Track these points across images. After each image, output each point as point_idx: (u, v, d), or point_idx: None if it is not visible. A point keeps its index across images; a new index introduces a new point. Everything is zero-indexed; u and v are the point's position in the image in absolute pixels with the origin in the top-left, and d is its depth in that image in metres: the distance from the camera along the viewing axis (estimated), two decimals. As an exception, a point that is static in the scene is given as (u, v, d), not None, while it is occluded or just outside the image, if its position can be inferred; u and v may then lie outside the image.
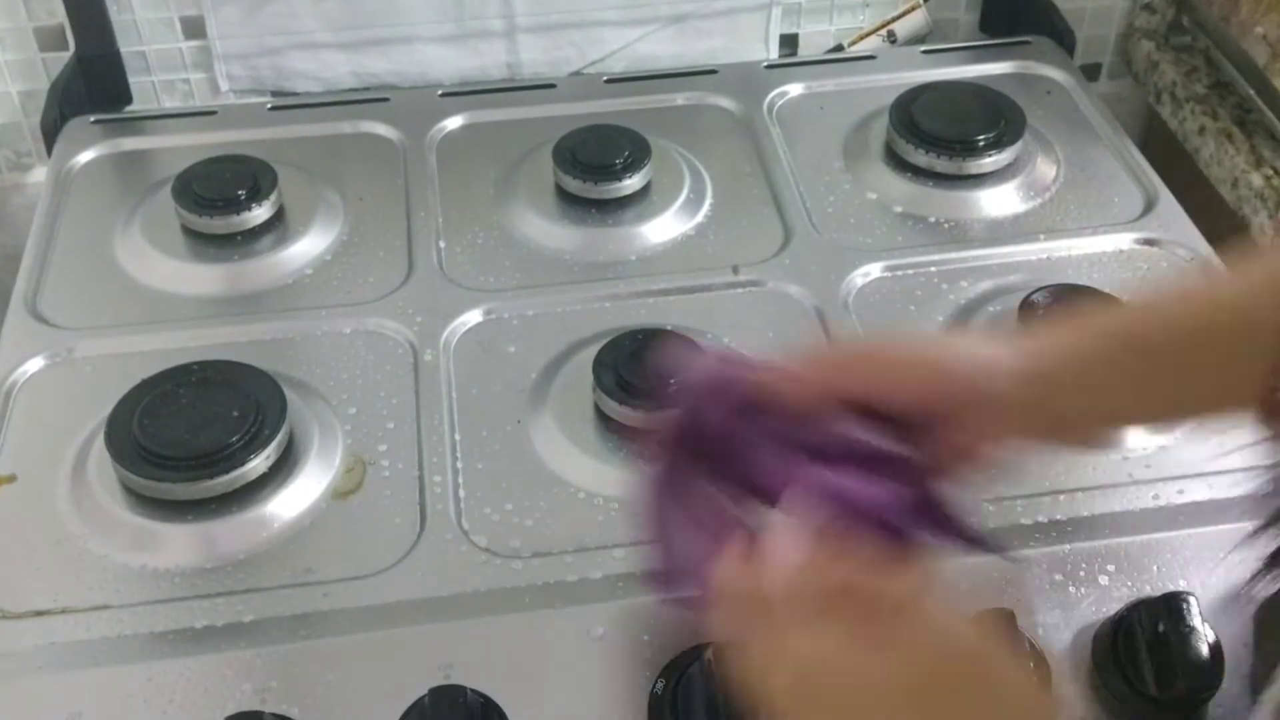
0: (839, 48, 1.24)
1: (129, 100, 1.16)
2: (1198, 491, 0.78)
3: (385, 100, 1.14)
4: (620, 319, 0.90)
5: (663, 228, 1.01)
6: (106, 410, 0.80)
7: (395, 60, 1.17)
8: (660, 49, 1.20)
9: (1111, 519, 0.76)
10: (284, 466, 0.79)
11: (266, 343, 0.90)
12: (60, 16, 1.11)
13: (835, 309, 0.92)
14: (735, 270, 0.95)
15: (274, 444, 0.78)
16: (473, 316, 0.92)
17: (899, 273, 0.96)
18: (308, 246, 0.98)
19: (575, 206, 1.02)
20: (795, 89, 1.16)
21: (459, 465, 0.80)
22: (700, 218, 1.02)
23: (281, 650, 0.69)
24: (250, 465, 0.77)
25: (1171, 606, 0.67)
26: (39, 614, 0.72)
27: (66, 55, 1.12)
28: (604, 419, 0.82)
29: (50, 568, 0.74)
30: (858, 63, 1.20)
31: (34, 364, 0.88)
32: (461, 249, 0.99)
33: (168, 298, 0.94)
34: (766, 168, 1.07)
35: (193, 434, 0.78)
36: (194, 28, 1.14)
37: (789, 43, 1.23)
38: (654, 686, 0.66)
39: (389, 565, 0.74)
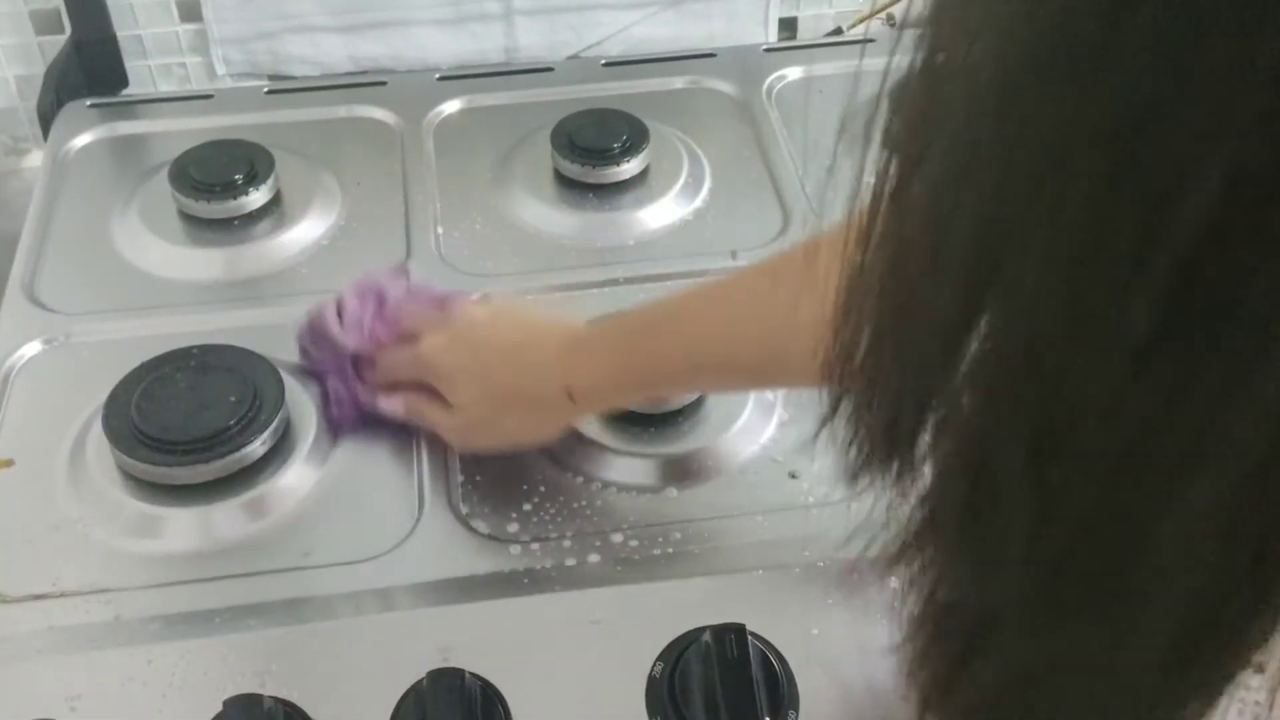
0: (838, 31, 1.24)
1: (125, 84, 1.15)
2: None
3: (382, 84, 1.14)
4: (619, 303, 0.89)
5: (661, 212, 1.00)
6: (104, 394, 0.80)
7: (392, 44, 1.17)
8: (658, 32, 1.20)
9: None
10: (282, 450, 0.79)
11: (264, 327, 0.89)
12: (56, 0, 1.10)
13: (833, 293, 0.92)
14: (733, 255, 0.95)
15: (272, 428, 0.78)
16: (471, 301, 0.91)
17: None
18: (305, 231, 0.98)
19: (573, 191, 1.02)
20: (794, 72, 1.16)
21: (455, 448, 0.80)
22: (699, 202, 1.02)
23: (280, 633, 0.69)
24: (248, 449, 0.77)
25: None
26: (37, 598, 0.72)
27: (62, 39, 1.12)
28: (602, 403, 0.82)
29: (48, 552, 0.74)
30: (857, 46, 1.20)
31: (31, 348, 0.88)
32: (459, 234, 0.99)
33: (165, 282, 0.94)
34: (765, 151, 1.06)
35: (190, 418, 0.78)
36: (190, 11, 1.14)
37: (788, 26, 1.23)
38: (652, 670, 0.66)
39: (387, 549, 0.74)
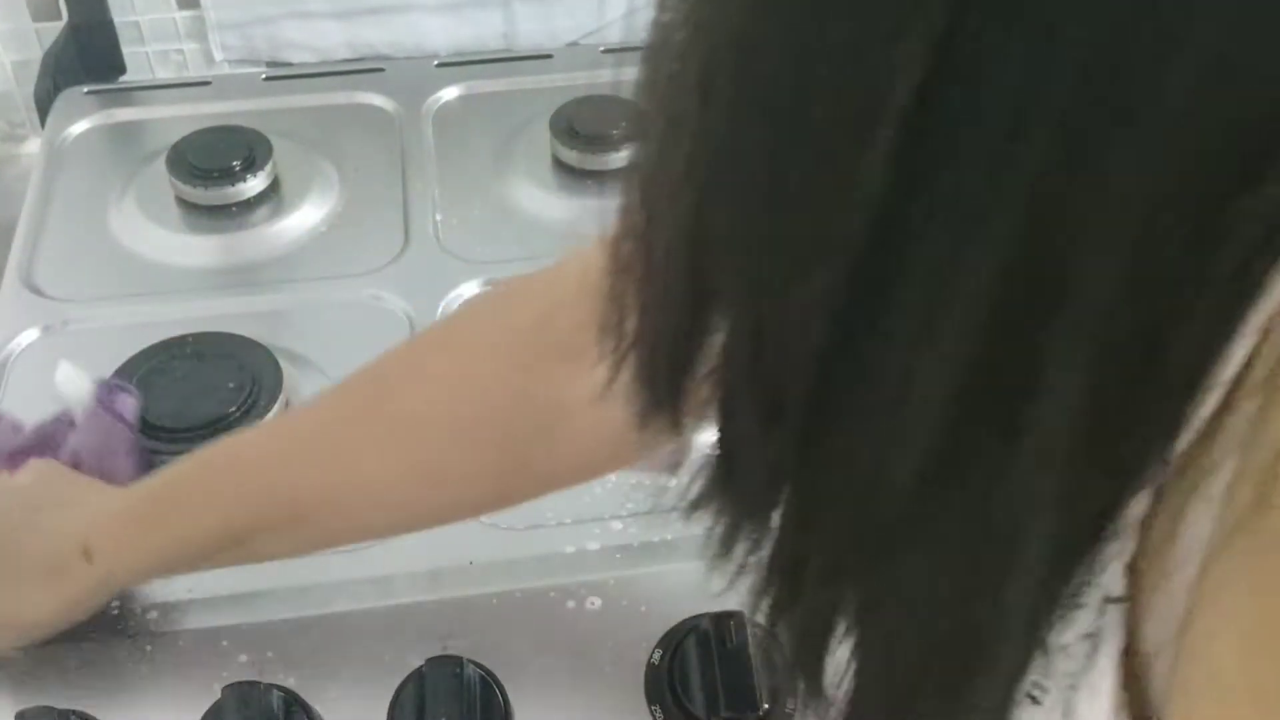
0: (838, 18, 1.23)
1: (123, 70, 1.15)
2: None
3: (381, 71, 1.14)
4: (617, 290, 0.89)
5: (660, 199, 1.00)
6: (102, 382, 0.80)
7: (391, 30, 1.17)
8: (658, 19, 1.19)
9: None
10: (280, 438, 0.79)
11: (262, 314, 0.89)
12: (53, -14, 1.10)
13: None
14: None
15: (270, 416, 0.78)
16: (469, 288, 0.91)
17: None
18: (303, 218, 0.98)
19: (572, 177, 1.01)
20: (794, 59, 1.15)
21: (456, 437, 0.80)
22: (698, 189, 1.01)
23: (279, 621, 0.69)
24: (246, 437, 0.77)
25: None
26: (35, 585, 0.72)
27: (60, 25, 1.11)
28: (601, 391, 0.82)
29: (46, 539, 0.74)
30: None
31: (29, 335, 0.88)
32: (458, 220, 0.98)
33: (162, 269, 0.94)
34: (764, 139, 1.06)
35: (188, 405, 0.78)
36: (188, -3, 1.14)
37: (787, 13, 1.23)
38: (651, 657, 0.66)
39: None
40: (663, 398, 0.37)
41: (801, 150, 0.27)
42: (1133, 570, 0.32)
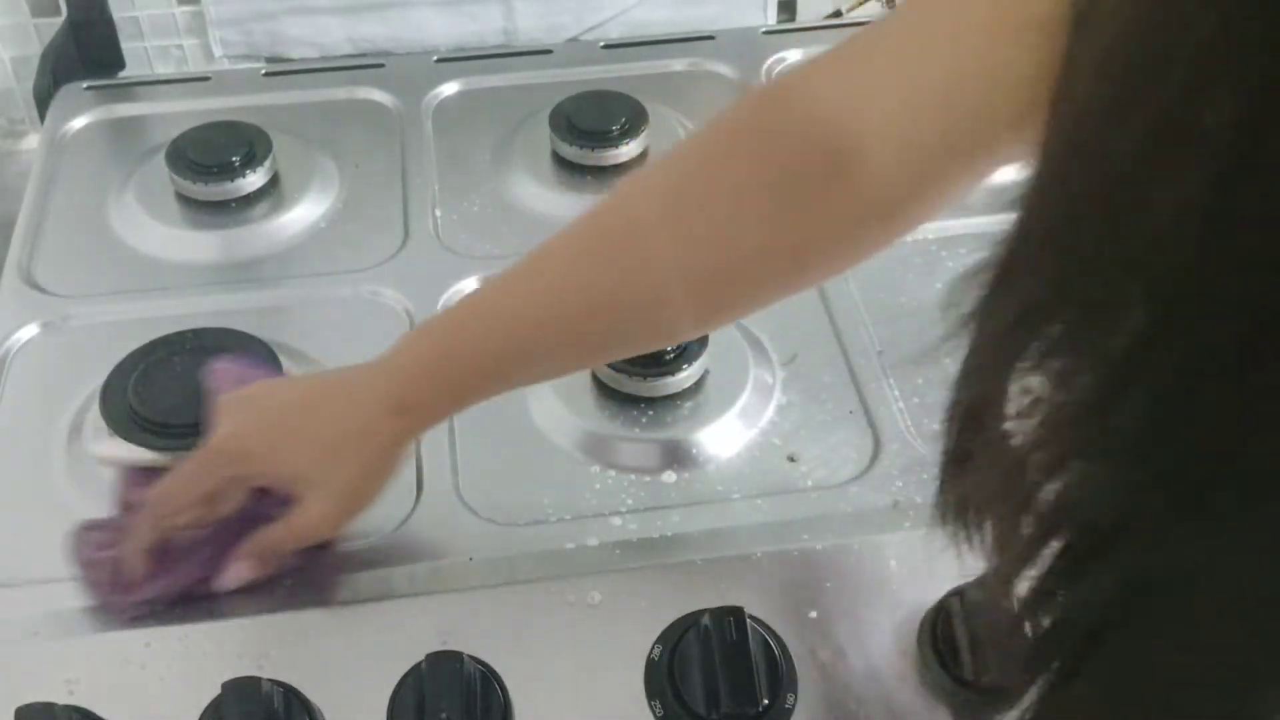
0: (837, 13, 1.23)
1: (122, 66, 1.15)
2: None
3: (380, 66, 1.14)
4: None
5: (660, 195, 1.00)
6: (101, 377, 0.79)
7: (391, 25, 1.17)
8: (657, 14, 1.19)
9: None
10: (280, 434, 0.79)
11: (261, 310, 0.89)
12: (52, -18, 1.10)
13: (835, 279, 0.91)
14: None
15: (270, 411, 0.78)
16: (469, 284, 0.91)
17: (897, 241, 0.95)
18: (303, 213, 0.98)
19: (572, 173, 1.01)
20: (794, 55, 1.15)
21: (455, 432, 0.80)
22: (698, 185, 1.02)
23: (279, 617, 0.69)
24: (246, 432, 0.77)
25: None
26: (35, 582, 0.72)
27: (59, 21, 1.11)
28: (601, 387, 0.82)
29: (46, 535, 0.74)
30: (857, 28, 1.19)
31: (28, 331, 0.88)
32: (458, 216, 0.98)
33: (162, 265, 0.94)
34: (764, 134, 1.06)
35: (188, 401, 0.77)
36: (187, -7, 1.14)
37: (787, 8, 1.23)
38: (651, 653, 0.66)
39: (386, 533, 0.74)
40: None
41: None
42: None
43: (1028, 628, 0.37)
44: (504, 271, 0.65)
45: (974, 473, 0.40)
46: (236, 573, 0.68)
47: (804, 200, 0.57)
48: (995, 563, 0.39)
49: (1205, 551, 0.31)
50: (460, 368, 0.65)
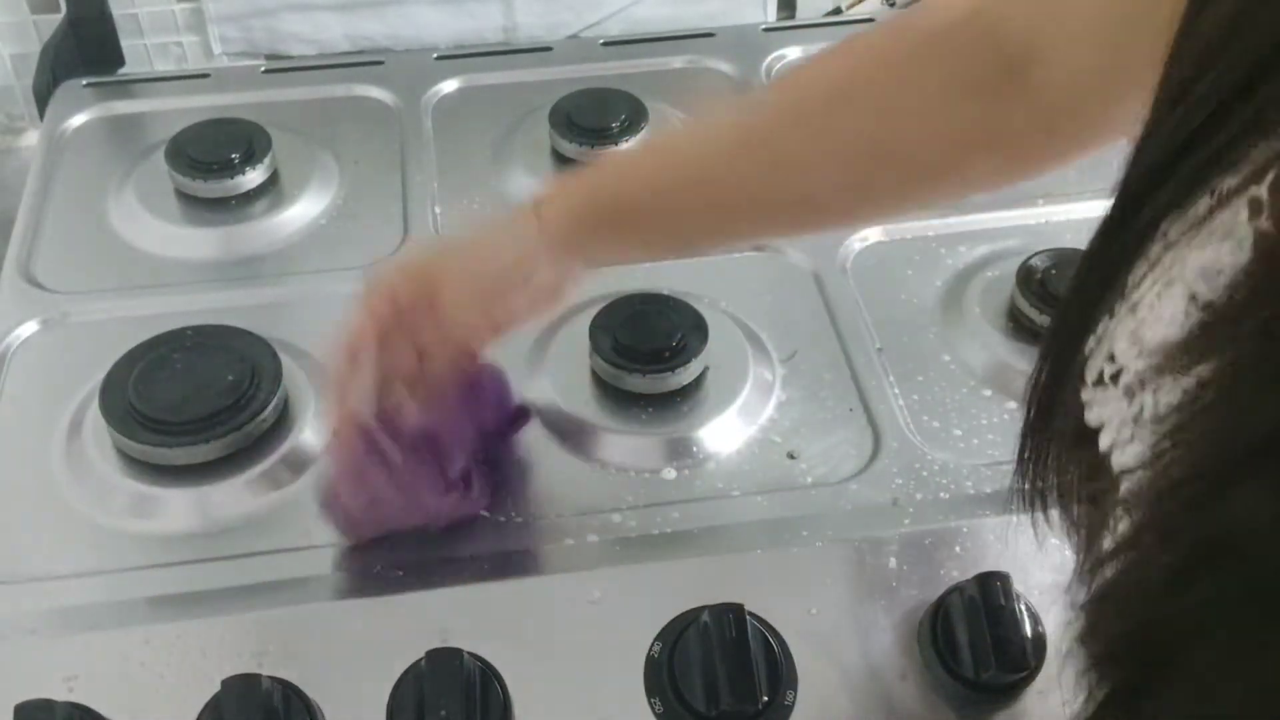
0: (837, 10, 1.23)
1: (121, 63, 1.15)
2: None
3: (380, 63, 1.14)
4: (617, 284, 0.89)
5: (660, 192, 1.00)
6: (101, 374, 0.79)
7: (390, 23, 1.16)
8: (657, 12, 1.19)
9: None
10: (279, 430, 0.79)
11: (261, 307, 0.89)
12: (52, -22, 1.10)
13: (833, 275, 0.92)
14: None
15: (270, 408, 0.78)
16: (469, 281, 0.91)
17: (897, 238, 0.95)
18: (302, 210, 0.98)
19: (572, 170, 1.01)
20: (793, 52, 1.15)
21: (455, 430, 0.80)
22: (697, 182, 1.01)
23: (279, 614, 0.69)
24: (246, 429, 0.77)
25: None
26: (35, 579, 0.72)
27: (58, 18, 1.11)
28: (600, 383, 0.82)
29: (45, 532, 0.74)
30: (856, 25, 1.19)
31: (28, 328, 0.88)
32: (457, 213, 0.98)
33: (162, 261, 0.94)
34: (764, 131, 1.06)
35: (188, 398, 0.78)
36: (187, -10, 1.14)
37: (787, 5, 1.22)
38: (650, 650, 0.66)
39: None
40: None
41: None
42: None
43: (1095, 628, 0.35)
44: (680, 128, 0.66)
45: (1055, 444, 0.40)
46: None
47: (977, 97, 0.58)
48: (1078, 543, 0.38)
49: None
50: (607, 179, 0.67)
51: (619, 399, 0.81)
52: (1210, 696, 0.31)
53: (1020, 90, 0.56)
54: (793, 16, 1.23)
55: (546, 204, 0.66)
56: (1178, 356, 0.33)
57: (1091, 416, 0.37)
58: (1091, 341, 0.38)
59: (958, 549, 0.71)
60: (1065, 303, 0.42)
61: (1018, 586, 0.67)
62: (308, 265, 0.93)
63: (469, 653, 0.64)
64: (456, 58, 1.15)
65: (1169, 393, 0.33)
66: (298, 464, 0.78)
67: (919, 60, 0.59)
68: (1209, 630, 0.30)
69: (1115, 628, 0.34)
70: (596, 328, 0.83)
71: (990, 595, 0.65)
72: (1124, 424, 0.35)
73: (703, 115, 0.64)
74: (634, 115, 1.02)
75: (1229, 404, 0.31)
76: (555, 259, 0.67)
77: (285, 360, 0.81)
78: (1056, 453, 0.41)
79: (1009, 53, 0.56)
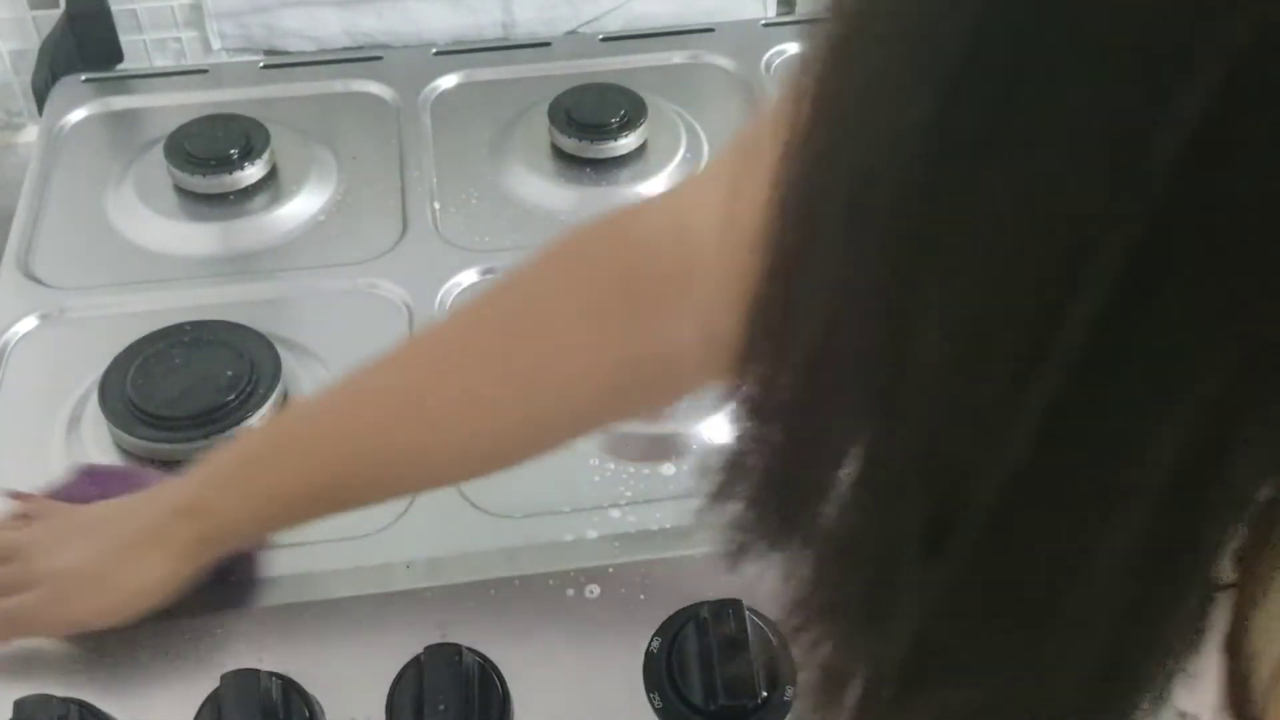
0: (837, 6, 1.23)
1: (120, 59, 1.15)
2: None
3: (379, 59, 1.14)
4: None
5: (659, 187, 1.00)
6: (100, 370, 0.80)
7: (389, 18, 1.16)
8: (657, 7, 1.19)
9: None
10: (279, 426, 0.79)
11: (260, 302, 0.89)
12: (50, -26, 1.10)
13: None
14: None
15: (269, 404, 0.78)
16: (468, 276, 0.91)
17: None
18: (301, 206, 0.98)
19: (571, 166, 1.01)
20: (793, 47, 1.15)
21: (454, 425, 0.80)
22: (696, 177, 1.02)
23: (277, 608, 0.69)
24: (245, 425, 0.77)
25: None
26: (34, 573, 0.72)
27: (57, 13, 1.11)
28: (600, 379, 0.82)
29: (45, 527, 0.74)
30: (856, 21, 1.19)
31: (27, 324, 0.88)
32: (456, 209, 0.98)
33: (160, 257, 0.94)
34: (763, 127, 1.06)
35: (187, 394, 0.78)
36: (185, -15, 1.13)
37: (787, 0, 1.22)
38: (649, 645, 0.66)
39: (385, 525, 0.74)
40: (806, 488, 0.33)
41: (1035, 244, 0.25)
42: (1242, 559, 0.31)
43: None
44: (326, 387, 0.64)
45: None
46: None
47: (632, 320, 0.57)
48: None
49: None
50: (257, 473, 0.63)
51: (618, 394, 0.81)
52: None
53: (673, 311, 0.55)
54: (792, 11, 1.23)
55: (195, 509, 0.63)
56: None
57: None
58: None
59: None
60: None
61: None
62: (306, 261, 0.93)
63: (468, 648, 0.64)
64: (455, 53, 1.15)
65: None
66: (297, 459, 0.78)
67: (575, 296, 0.58)
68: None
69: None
70: (595, 323, 0.82)
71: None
72: None
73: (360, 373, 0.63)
74: (633, 111, 1.02)
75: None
76: (164, 535, 0.63)
77: (284, 355, 0.81)
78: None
79: (659, 273, 0.54)
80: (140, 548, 0.63)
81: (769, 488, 0.34)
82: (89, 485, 0.71)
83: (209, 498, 0.63)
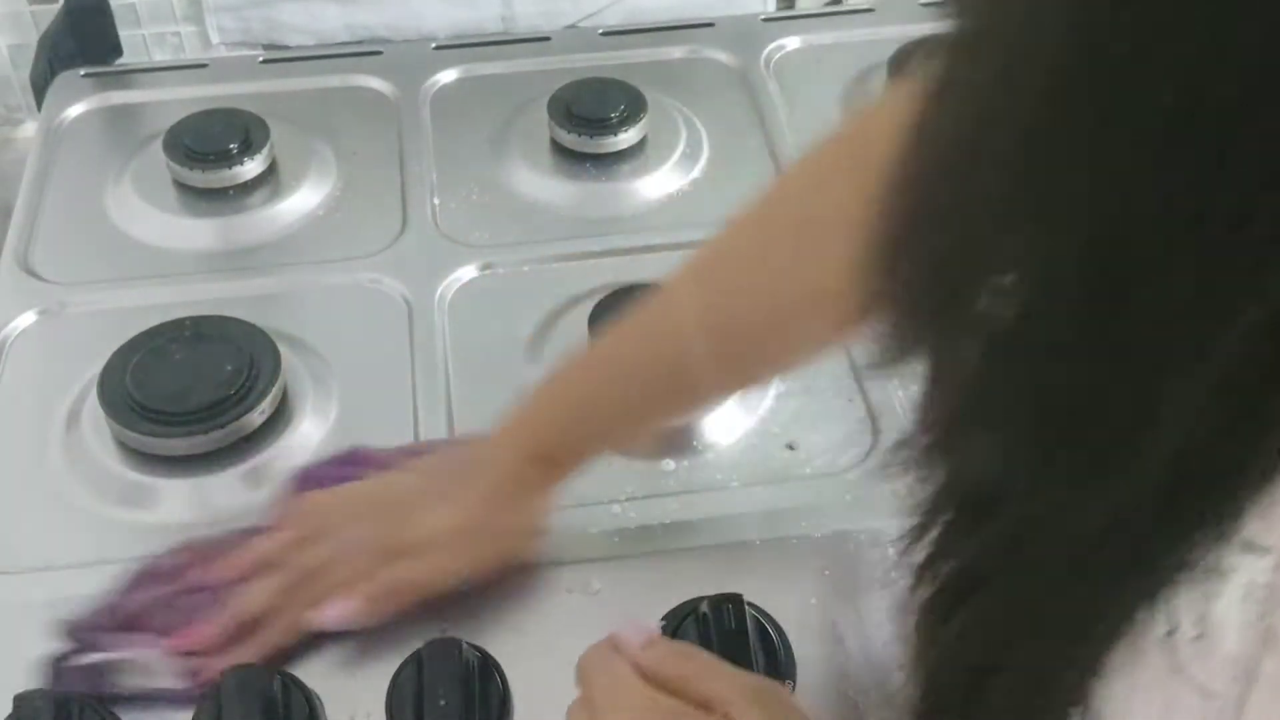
0: (836, 0, 1.23)
1: (119, 53, 1.14)
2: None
3: (378, 53, 1.13)
4: (616, 274, 0.89)
5: (658, 183, 1.00)
6: (99, 365, 0.79)
7: (388, 13, 1.16)
8: (656, 2, 1.19)
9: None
10: (278, 421, 0.79)
11: (259, 297, 0.89)
12: (49, -32, 1.09)
13: (832, 264, 0.91)
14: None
15: (268, 399, 0.78)
16: (467, 272, 0.91)
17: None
18: (300, 201, 0.98)
19: (570, 161, 1.01)
20: (793, 42, 1.15)
21: (454, 420, 0.80)
22: (696, 173, 1.01)
23: (277, 604, 0.69)
24: (245, 420, 0.77)
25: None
26: (33, 569, 0.72)
27: (55, 8, 1.11)
28: (599, 374, 0.82)
29: (44, 523, 0.74)
30: (856, 15, 1.19)
31: (26, 319, 0.88)
32: (456, 204, 0.98)
33: (160, 252, 0.94)
34: (764, 122, 1.06)
35: (186, 389, 0.78)
36: (184, -20, 1.13)
37: (786, -4, 1.22)
38: (650, 640, 0.66)
39: (384, 520, 0.74)
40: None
41: None
42: None
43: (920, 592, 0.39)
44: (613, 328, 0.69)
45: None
46: (342, 611, 0.66)
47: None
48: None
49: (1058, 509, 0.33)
50: (591, 414, 0.69)
51: (618, 390, 0.81)
52: None
53: None
54: (792, 7, 1.23)
55: (540, 445, 0.68)
56: None
57: None
58: None
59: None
60: None
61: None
62: (306, 256, 0.93)
63: (468, 643, 0.64)
64: (455, 48, 1.14)
65: None
66: (297, 454, 0.78)
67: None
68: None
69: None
70: (595, 319, 0.82)
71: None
72: None
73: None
74: (633, 106, 1.02)
75: None
76: (525, 480, 0.68)
77: (284, 350, 0.81)
78: None
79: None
80: (509, 496, 0.68)
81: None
82: (346, 467, 0.74)
83: (553, 442, 0.69)
